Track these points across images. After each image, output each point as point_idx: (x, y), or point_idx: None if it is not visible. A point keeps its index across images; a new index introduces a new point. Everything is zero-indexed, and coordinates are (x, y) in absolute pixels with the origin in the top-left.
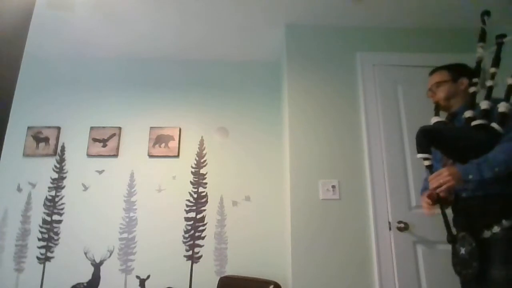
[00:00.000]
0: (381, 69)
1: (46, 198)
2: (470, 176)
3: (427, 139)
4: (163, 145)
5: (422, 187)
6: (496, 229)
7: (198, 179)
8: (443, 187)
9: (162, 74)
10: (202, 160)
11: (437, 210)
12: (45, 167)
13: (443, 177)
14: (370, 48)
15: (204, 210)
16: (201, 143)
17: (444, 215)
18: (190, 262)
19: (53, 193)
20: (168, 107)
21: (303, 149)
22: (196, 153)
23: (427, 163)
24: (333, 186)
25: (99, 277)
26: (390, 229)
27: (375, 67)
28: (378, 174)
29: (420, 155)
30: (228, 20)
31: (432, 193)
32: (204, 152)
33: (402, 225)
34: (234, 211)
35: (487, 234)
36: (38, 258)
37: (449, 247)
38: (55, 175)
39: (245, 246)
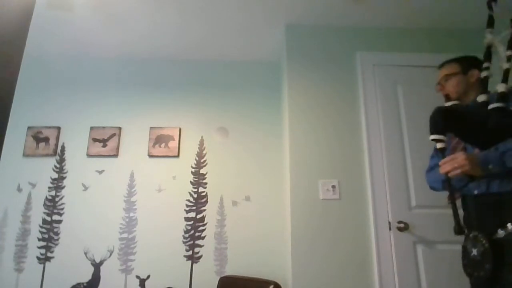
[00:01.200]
0: (381, 69)
1: (46, 198)
2: (490, 166)
3: (445, 120)
4: (163, 145)
5: (428, 167)
6: (511, 228)
7: (198, 179)
8: (458, 171)
9: (162, 74)
10: (202, 160)
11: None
12: (45, 167)
13: (459, 161)
14: (370, 48)
15: (204, 210)
16: (201, 143)
17: (453, 203)
18: (190, 262)
19: (53, 193)
20: (168, 107)
21: (303, 149)
22: (196, 153)
23: (440, 145)
24: (333, 186)
25: (99, 277)
26: (390, 229)
27: (375, 67)
28: (378, 174)
29: (434, 136)
30: (228, 20)
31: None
32: (204, 152)
33: (402, 225)
34: (234, 211)
35: (500, 233)
36: (38, 258)
37: (449, 247)
38: (55, 175)
39: (245, 246)
